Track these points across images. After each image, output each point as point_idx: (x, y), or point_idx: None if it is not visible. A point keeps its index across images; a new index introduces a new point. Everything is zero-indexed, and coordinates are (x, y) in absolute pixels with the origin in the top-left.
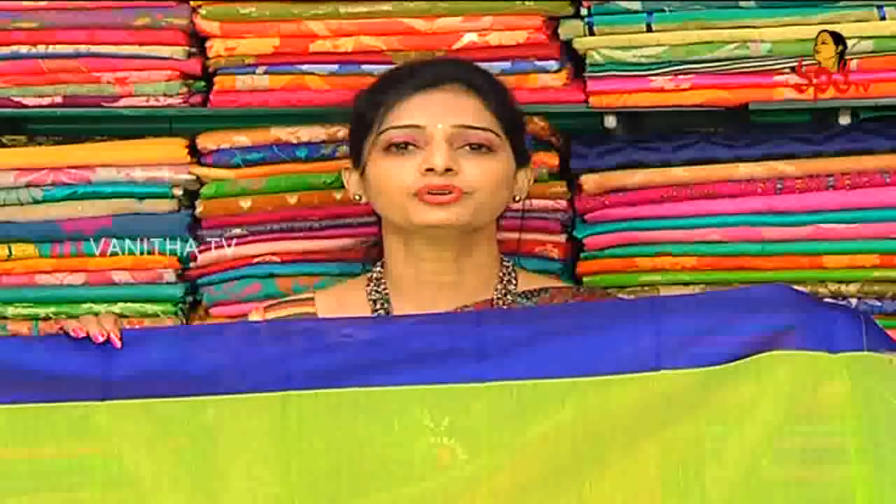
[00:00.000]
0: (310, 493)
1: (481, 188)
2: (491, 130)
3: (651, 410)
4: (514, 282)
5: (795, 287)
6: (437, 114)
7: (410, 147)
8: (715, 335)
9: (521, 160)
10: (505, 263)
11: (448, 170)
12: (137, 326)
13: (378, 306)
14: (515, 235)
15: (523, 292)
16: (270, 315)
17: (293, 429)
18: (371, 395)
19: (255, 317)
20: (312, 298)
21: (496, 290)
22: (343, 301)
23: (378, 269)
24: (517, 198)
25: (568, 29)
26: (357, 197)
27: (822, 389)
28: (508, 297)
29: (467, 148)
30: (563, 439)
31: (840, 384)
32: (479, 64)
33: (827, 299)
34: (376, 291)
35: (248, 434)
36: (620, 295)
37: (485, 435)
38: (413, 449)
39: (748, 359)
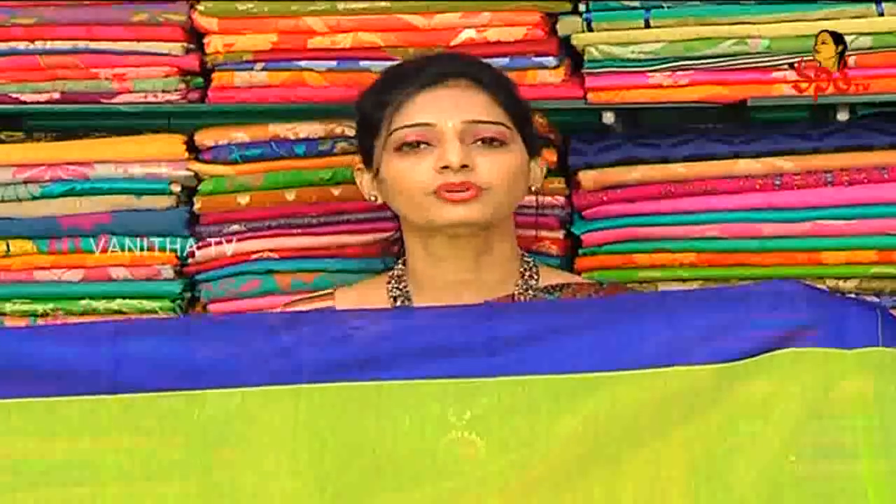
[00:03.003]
0: (321, 488)
1: (498, 183)
2: (502, 123)
3: (665, 407)
4: (535, 277)
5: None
6: (446, 110)
7: (423, 145)
8: (729, 331)
9: (532, 150)
10: (526, 259)
11: (464, 166)
12: (146, 318)
13: (399, 304)
14: (525, 232)
15: (545, 287)
16: (291, 311)
17: (305, 422)
18: (382, 388)
19: None
20: (332, 294)
21: (517, 285)
22: (364, 298)
23: (400, 265)
24: (532, 188)
25: (566, 25)
26: (372, 197)
27: (837, 386)
28: (530, 292)
29: (479, 143)
30: (577, 436)
31: (854, 380)
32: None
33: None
34: (397, 288)
35: (260, 427)
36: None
37: (500, 430)
38: (434, 442)
39: (763, 356)
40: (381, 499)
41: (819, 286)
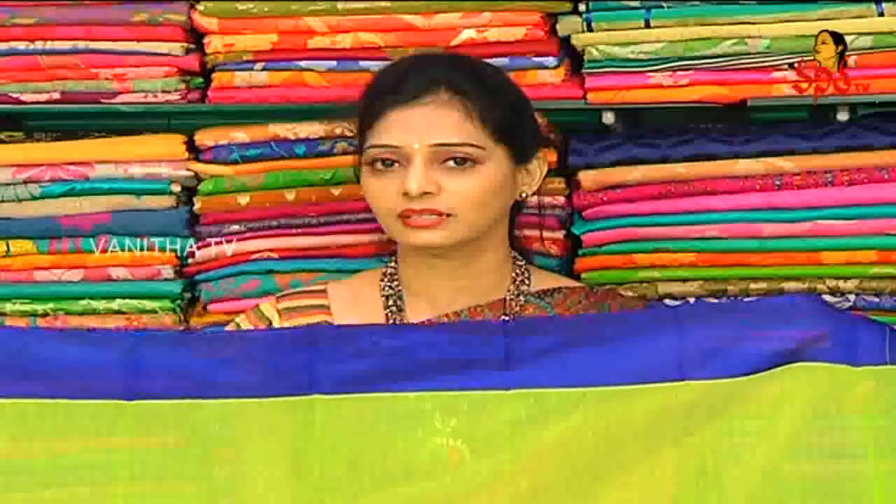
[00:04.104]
0: (333, 496)
1: (465, 208)
2: (472, 144)
3: (676, 419)
4: (527, 282)
5: (823, 298)
6: (415, 132)
7: (395, 164)
8: (739, 346)
9: (525, 155)
10: (518, 262)
11: (426, 193)
12: (165, 331)
13: (391, 303)
14: (528, 232)
15: (537, 292)
16: (282, 305)
17: (319, 433)
18: (396, 399)
19: (266, 306)
20: (325, 291)
21: (508, 290)
22: (356, 295)
23: (393, 264)
24: (524, 194)
25: (566, 25)
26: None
27: (844, 402)
28: (521, 297)
29: (451, 163)
30: (583, 448)
31: (862, 397)
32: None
33: (826, 297)
34: (389, 287)
35: (274, 437)
36: (622, 291)
37: (502, 441)
38: (422, 449)
39: (772, 370)
40: None
41: (830, 303)
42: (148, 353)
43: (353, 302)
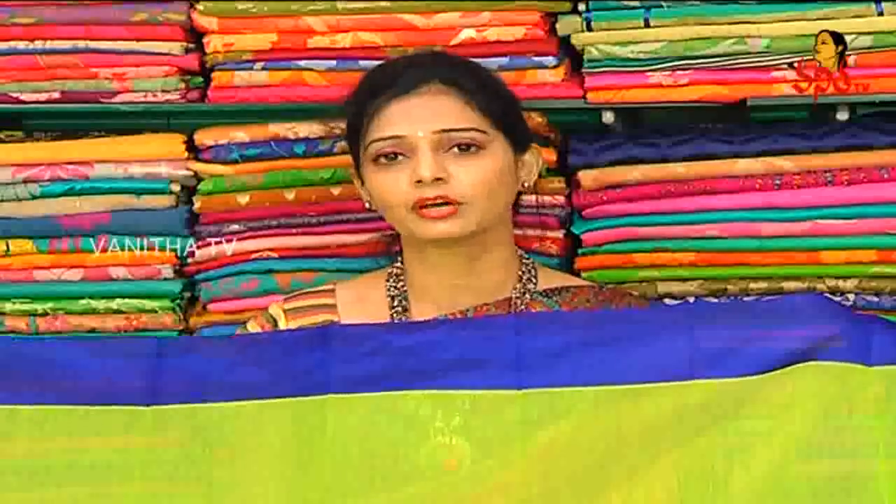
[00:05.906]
0: (343, 495)
1: (476, 194)
2: (475, 129)
3: (686, 418)
4: (533, 280)
5: (832, 297)
6: (417, 120)
7: (399, 157)
8: (750, 345)
9: (522, 144)
10: (525, 260)
11: (438, 179)
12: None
13: (396, 304)
14: (525, 231)
15: (543, 291)
16: (289, 305)
17: (329, 432)
18: (406, 399)
19: (274, 307)
20: (333, 290)
21: (515, 288)
22: (362, 296)
23: (398, 264)
24: (526, 184)
25: (566, 25)
26: (368, 204)
27: (856, 402)
28: (527, 295)
29: (455, 150)
30: (593, 447)
31: (874, 396)
32: (473, 58)
33: (826, 295)
34: (395, 288)
35: (284, 437)
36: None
37: (512, 442)
38: (433, 449)
39: (783, 370)
40: None
41: (839, 300)
42: (165, 358)
43: (359, 302)
